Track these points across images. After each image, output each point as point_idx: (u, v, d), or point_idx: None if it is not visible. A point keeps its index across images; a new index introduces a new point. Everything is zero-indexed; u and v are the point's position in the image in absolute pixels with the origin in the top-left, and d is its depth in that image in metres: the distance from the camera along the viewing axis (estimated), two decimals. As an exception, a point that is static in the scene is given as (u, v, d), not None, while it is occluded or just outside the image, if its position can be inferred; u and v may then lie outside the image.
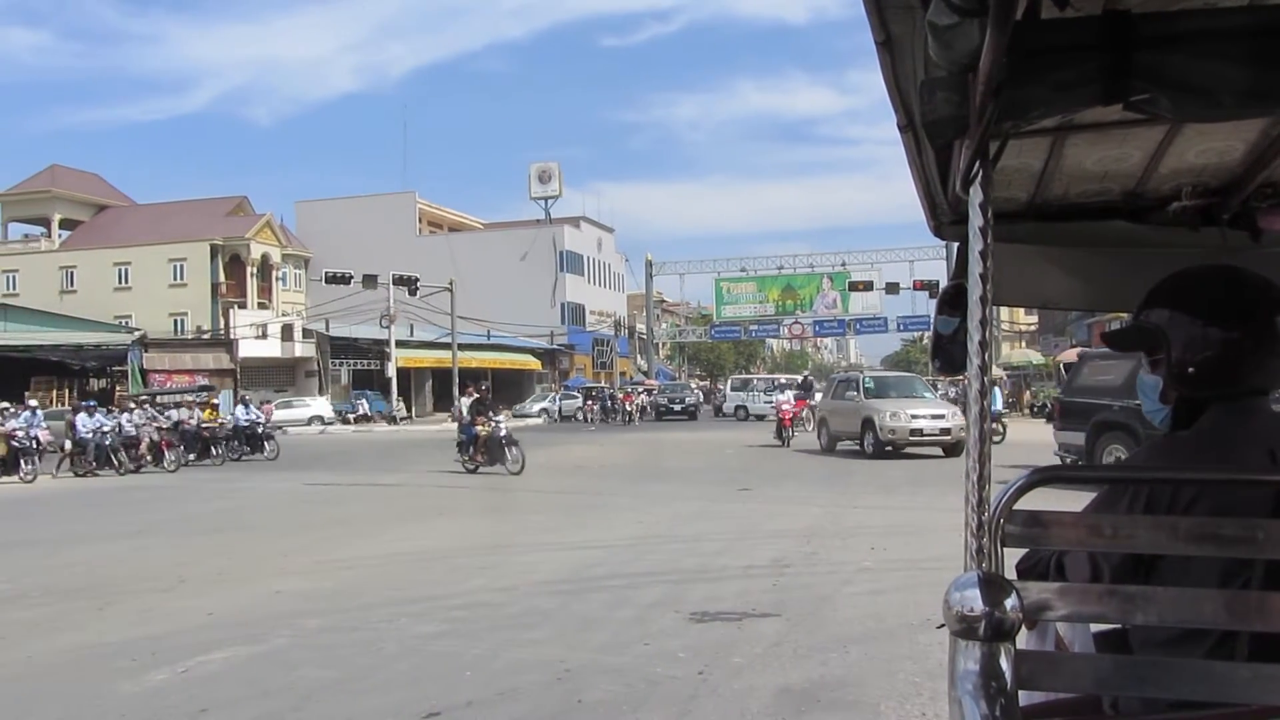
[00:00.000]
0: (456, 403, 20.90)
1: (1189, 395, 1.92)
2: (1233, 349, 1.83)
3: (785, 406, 25.96)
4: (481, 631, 6.48)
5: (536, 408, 46.88)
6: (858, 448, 21.27)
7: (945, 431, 20.20)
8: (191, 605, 7.45)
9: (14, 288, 55.21)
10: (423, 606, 7.26)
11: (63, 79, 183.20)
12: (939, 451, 20.16)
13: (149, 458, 22.34)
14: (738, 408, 43.72)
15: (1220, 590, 1.65)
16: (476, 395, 20.62)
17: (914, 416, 20.34)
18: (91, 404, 24.17)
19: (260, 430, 25.27)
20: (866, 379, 24.09)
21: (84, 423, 21.88)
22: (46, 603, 7.71)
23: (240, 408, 25.57)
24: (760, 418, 38.20)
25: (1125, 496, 1.80)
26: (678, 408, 45.01)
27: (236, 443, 24.58)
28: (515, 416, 35.13)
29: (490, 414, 19.34)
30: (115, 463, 21.71)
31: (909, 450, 20.54)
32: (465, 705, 4.96)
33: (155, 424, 23.42)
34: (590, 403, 45.05)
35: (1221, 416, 1.86)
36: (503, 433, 18.71)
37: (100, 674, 5.70)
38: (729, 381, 49.75)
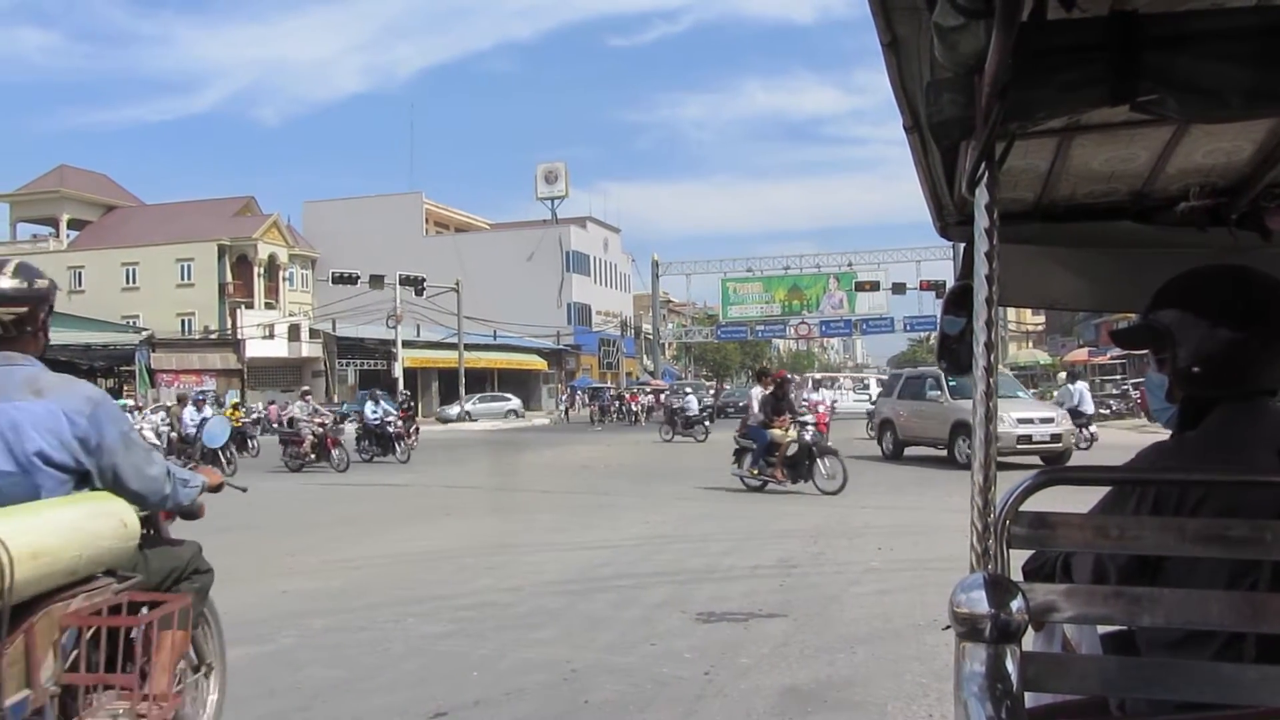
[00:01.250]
0: (750, 395, 16.23)
1: (1195, 395, 1.91)
2: (1240, 348, 1.82)
3: (821, 408, 21.91)
4: (488, 631, 6.48)
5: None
6: (940, 456, 18.48)
7: (1055, 438, 17.00)
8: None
9: (22, 288, 55.33)
10: (430, 606, 7.26)
11: (72, 79, 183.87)
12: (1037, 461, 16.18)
13: (312, 455, 20.58)
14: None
15: (1228, 592, 1.64)
16: (774, 383, 15.59)
17: (1020, 421, 16.73)
18: (200, 396, 22.85)
19: (392, 430, 22.57)
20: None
21: (191, 416, 21.36)
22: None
23: (370, 404, 22.93)
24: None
25: (1132, 498, 1.80)
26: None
27: (366, 443, 22.36)
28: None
29: (793, 412, 14.81)
30: (223, 460, 19.40)
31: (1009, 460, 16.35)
32: (472, 705, 4.97)
33: (318, 418, 21.40)
34: (593, 404, 44.80)
35: (1229, 417, 1.86)
36: (810, 436, 14.34)
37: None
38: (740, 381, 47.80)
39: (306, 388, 27.16)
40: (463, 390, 43.68)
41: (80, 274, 56.16)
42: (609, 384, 54.16)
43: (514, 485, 16.65)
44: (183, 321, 53.05)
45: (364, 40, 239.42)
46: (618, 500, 13.99)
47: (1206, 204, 2.58)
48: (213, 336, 49.52)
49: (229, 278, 55.31)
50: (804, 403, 17.57)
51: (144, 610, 2.96)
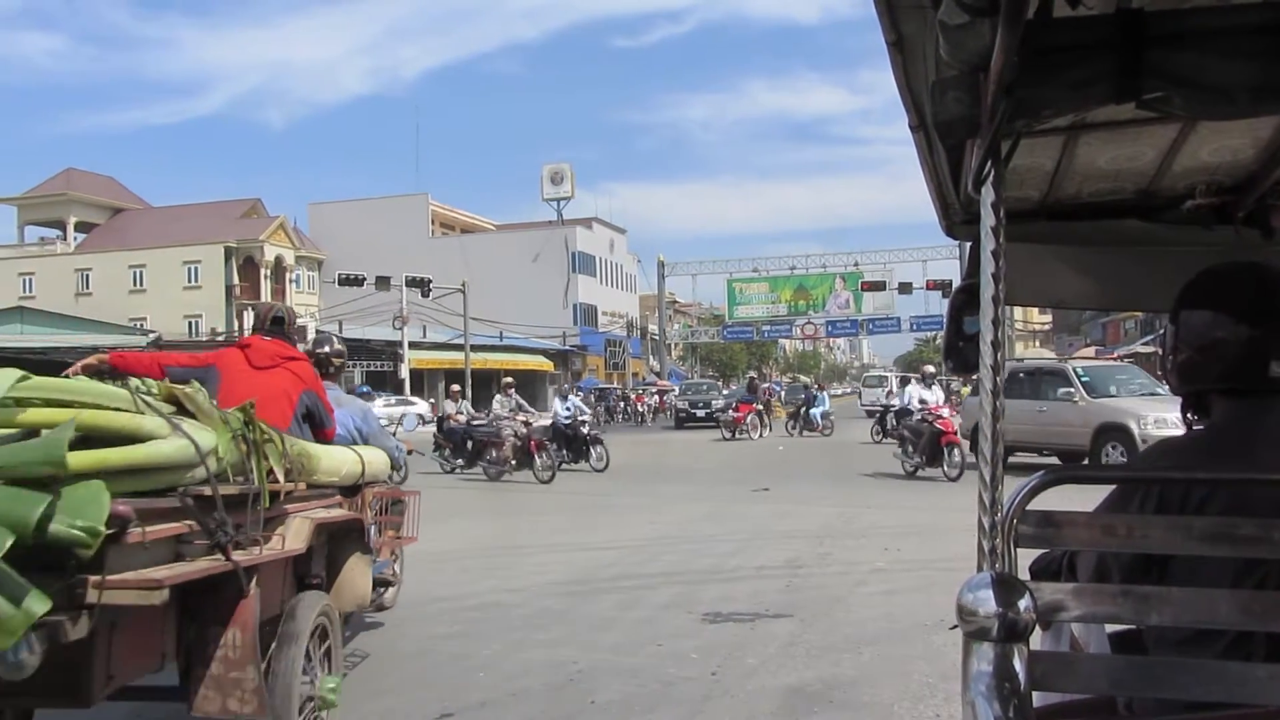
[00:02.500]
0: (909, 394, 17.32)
1: (1199, 390, 1.92)
2: (1254, 344, 1.81)
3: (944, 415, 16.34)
4: (494, 632, 6.49)
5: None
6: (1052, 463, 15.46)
7: None
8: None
9: (30, 290, 55.56)
10: (435, 607, 7.27)
11: (78, 83, 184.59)
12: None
13: (514, 462, 17.33)
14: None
15: (1236, 590, 1.64)
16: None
17: (1157, 421, 14.39)
18: (366, 389, 20.38)
19: (586, 432, 18.88)
20: (1078, 369, 17.33)
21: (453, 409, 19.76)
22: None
23: (559, 401, 19.78)
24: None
25: (1137, 496, 1.80)
26: (701, 413, 36.03)
27: (555, 446, 18.01)
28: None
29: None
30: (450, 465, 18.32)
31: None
32: (478, 706, 4.97)
33: (521, 417, 18.14)
34: (599, 404, 44.63)
35: (1235, 413, 1.85)
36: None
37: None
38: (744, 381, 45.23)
39: (456, 385, 23.28)
40: (469, 392, 43.73)
41: (87, 276, 56.31)
42: (615, 385, 54.15)
43: (517, 487, 16.61)
44: (189, 324, 53.13)
45: (369, 42, 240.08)
46: (622, 501, 13.98)
47: (1212, 202, 2.57)
48: (219, 338, 49.60)
49: (236, 280, 55.38)
50: (919, 404, 16.53)
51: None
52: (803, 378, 66.78)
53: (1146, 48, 1.48)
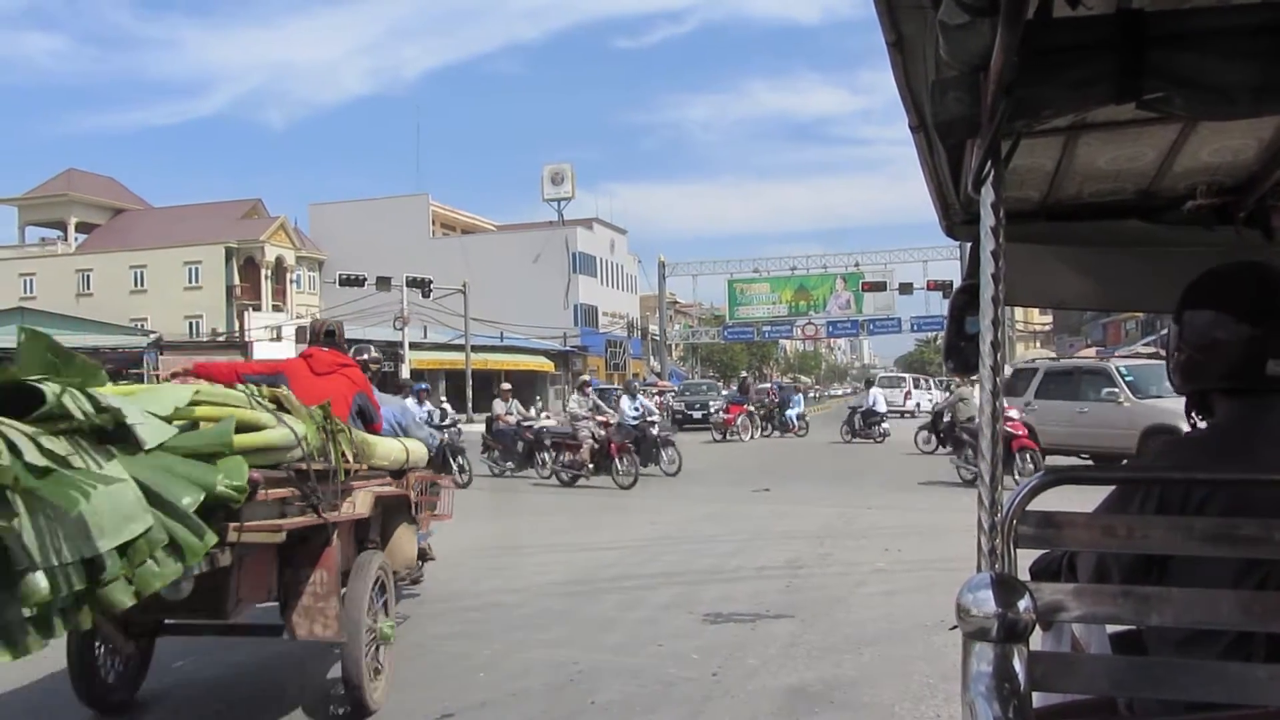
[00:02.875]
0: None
1: (1193, 388, 1.92)
2: (1256, 344, 1.81)
3: (1014, 416, 15.29)
4: (495, 632, 6.49)
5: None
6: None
7: None
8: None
9: (31, 291, 55.60)
10: (436, 607, 7.27)
11: (79, 83, 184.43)
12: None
13: (591, 466, 16.11)
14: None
15: (1237, 591, 1.64)
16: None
17: None
18: (424, 386, 18.66)
19: (656, 433, 17.43)
20: (1122, 368, 16.40)
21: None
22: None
23: (626, 399, 17.82)
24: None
25: (1137, 496, 1.79)
26: (698, 414, 34.48)
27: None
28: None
29: None
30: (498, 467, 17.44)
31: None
32: (479, 706, 4.98)
33: (601, 417, 16.83)
34: None
35: (1237, 412, 1.85)
36: None
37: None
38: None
39: (507, 384, 20.66)
40: (470, 393, 43.74)
41: (88, 277, 56.33)
42: (616, 385, 54.13)
43: (516, 487, 16.61)
44: (190, 324, 53.16)
45: (370, 43, 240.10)
46: (623, 501, 13.98)
47: (1213, 203, 2.57)
48: (220, 339, 49.61)
49: (236, 280, 55.40)
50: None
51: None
52: (799, 378, 66.64)
53: (1147, 48, 1.48)
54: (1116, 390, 15.59)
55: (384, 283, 40.79)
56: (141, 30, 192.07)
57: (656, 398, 45.42)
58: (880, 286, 51.30)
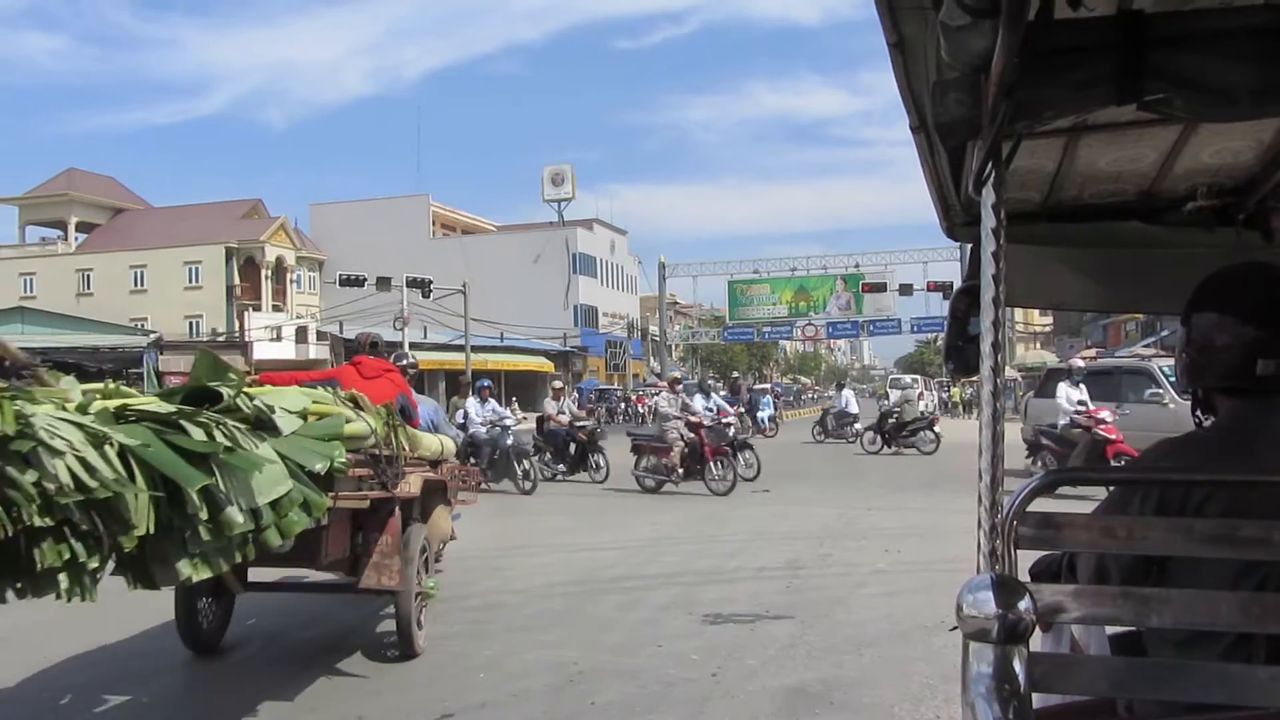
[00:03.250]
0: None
1: (1195, 387, 1.92)
2: (1257, 345, 1.81)
3: (1105, 419, 14.51)
4: (495, 633, 6.49)
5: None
6: None
7: None
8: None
9: (31, 290, 55.57)
10: (436, 607, 7.26)
11: (80, 83, 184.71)
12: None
13: (681, 471, 14.66)
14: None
15: (1236, 592, 1.64)
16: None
17: None
18: (486, 383, 16.72)
19: (733, 435, 15.55)
20: (1164, 369, 15.50)
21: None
22: (59, 604, 7.73)
23: (700, 397, 16.12)
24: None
25: (1136, 497, 1.79)
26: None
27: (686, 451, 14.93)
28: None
29: None
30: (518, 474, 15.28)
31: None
32: (479, 706, 4.98)
33: (691, 417, 15.07)
34: (600, 405, 44.45)
35: (1239, 413, 1.85)
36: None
37: (115, 675, 5.72)
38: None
39: (559, 382, 19.67)
40: (470, 393, 43.78)
41: (88, 277, 56.31)
42: (616, 386, 54.14)
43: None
44: (190, 324, 53.12)
45: (371, 43, 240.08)
46: (623, 502, 13.97)
47: (1214, 204, 2.57)
48: (220, 339, 49.60)
49: (236, 280, 55.37)
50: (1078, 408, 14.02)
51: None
52: (799, 379, 66.65)
53: (1148, 49, 1.48)
54: (1160, 391, 15.04)
55: (384, 283, 40.74)
56: (142, 30, 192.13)
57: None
58: (881, 287, 51.24)
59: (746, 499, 13.87)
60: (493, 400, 16.15)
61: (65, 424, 3.30)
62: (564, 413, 17.21)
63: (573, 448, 16.53)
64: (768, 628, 6.43)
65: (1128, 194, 2.70)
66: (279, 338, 46.49)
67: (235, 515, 3.69)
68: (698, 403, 15.81)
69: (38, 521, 3.00)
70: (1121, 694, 1.72)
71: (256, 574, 5.93)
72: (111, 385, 4.21)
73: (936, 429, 22.18)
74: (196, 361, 4.77)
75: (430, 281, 41.25)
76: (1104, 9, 1.55)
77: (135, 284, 55.77)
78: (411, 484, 5.83)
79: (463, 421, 15.57)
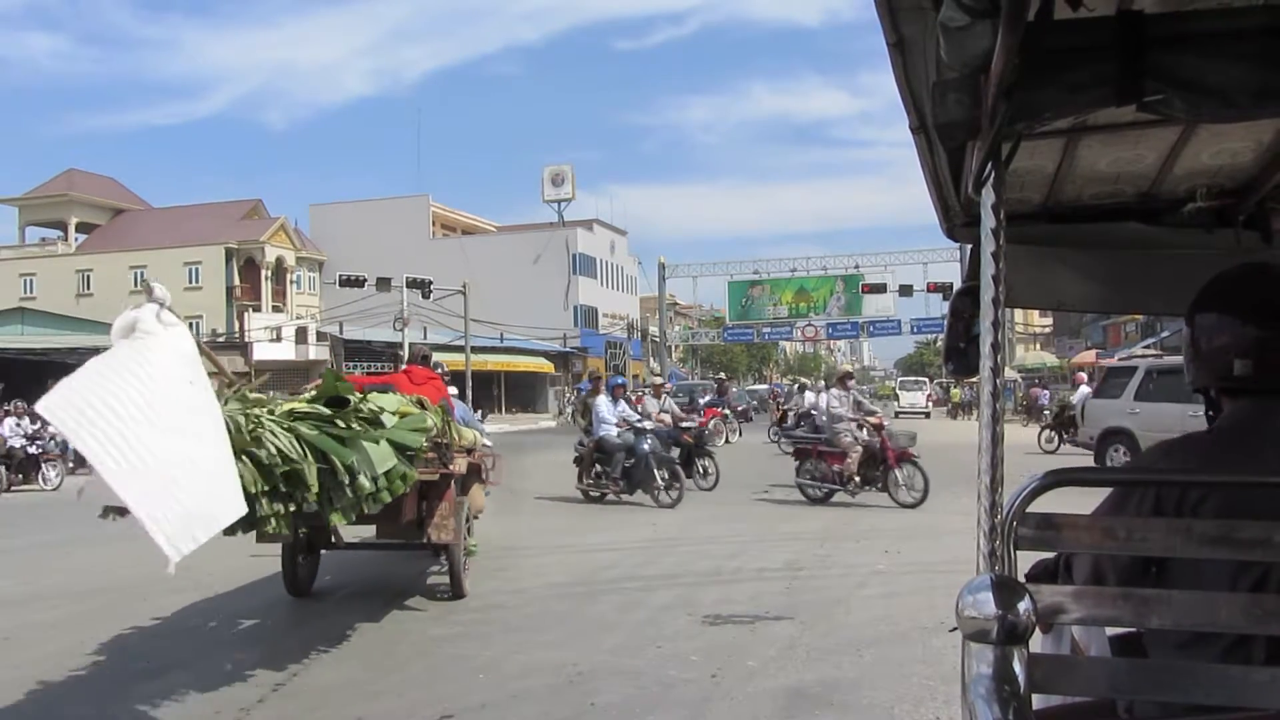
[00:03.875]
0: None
1: (1200, 386, 1.92)
2: (1250, 345, 1.80)
3: None
4: (494, 634, 6.49)
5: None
6: None
7: None
8: (206, 607, 7.48)
9: (31, 291, 55.58)
10: (436, 608, 7.27)
11: (80, 83, 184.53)
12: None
13: (858, 477, 12.94)
14: None
15: (1237, 593, 1.64)
16: None
17: None
18: (620, 381, 15.50)
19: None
20: None
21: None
22: (62, 604, 7.76)
23: (838, 391, 13.74)
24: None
25: (1135, 497, 1.79)
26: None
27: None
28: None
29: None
30: None
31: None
32: (479, 707, 4.97)
33: (874, 419, 13.37)
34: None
35: (1241, 414, 1.85)
36: None
37: (116, 675, 5.73)
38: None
39: (660, 378, 16.59)
40: (470, 393, 43.75)
41: (89, 277, 56.31)
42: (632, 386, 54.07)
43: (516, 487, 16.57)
44: (190, 324, 52.07)
45: (371, 44, 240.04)
46: (623, 503, 13.95)
47: (1213, 205, 2.57)
48: (220, 339, 49.61)
49: (236, 281, 55.37)
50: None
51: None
52: (799, 379, 66.64)
53: (1147, 50, 1.48)
54: None
55: (384, 283, 40.73)
56: (142, 30, 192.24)
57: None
58: (880, 288, 51.21)
59: (746, 500, 13.82)
60: (623, 400, 14.49)
61: (269, 420, 5.18)
62: (666, 412, 15.21)
63: (678, 451, 14.51)
64: (767, 628, 6.43)
65: (1127, 195, 2.70)
66: (279, 338, 46.49)
67: (364, 481, 5.47)
68: (830, 399, 13.79)
69: (262, 486, 4.82)
70: (1121, 695, 1.71)
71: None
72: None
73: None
74: (324, 376, 6.87)
75: (430, 282, 41.25)
76: (1103, 10, 1.55)
77: (135, 285, 55.70)
78: (460, 465, 7.33)
79: (587, 423, 14.66)
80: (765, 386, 41.93)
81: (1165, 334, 40.45)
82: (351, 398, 5.98)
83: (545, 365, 55.54)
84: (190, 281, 55.26)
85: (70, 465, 19.85)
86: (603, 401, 14.18)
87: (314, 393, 6.25)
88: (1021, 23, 1.33)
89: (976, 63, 1.47)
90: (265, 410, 5.31)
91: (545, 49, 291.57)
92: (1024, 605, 1.51)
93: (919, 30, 1.69)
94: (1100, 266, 2.97)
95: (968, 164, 1.99)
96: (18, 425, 19.49)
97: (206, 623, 6.98)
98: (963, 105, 1.62)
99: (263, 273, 56.16)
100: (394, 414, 6.22)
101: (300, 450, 5.08)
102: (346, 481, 5.32)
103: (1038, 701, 1.63)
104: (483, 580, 8.26)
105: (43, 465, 19.04)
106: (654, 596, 7.54)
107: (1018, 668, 1.52)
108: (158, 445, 4.24)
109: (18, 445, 18.92)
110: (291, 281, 58.50)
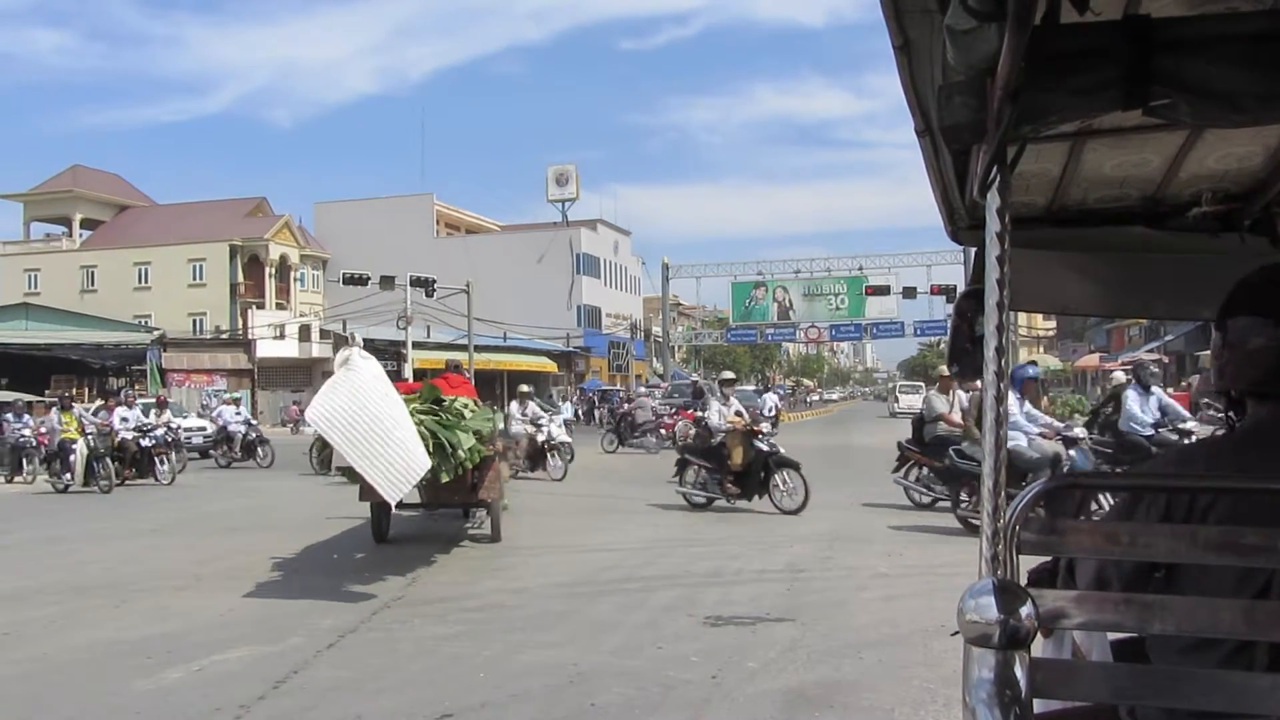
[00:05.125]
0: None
1: (1227, 390, 1.90)
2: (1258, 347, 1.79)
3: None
4: (495, 633, 6.49)
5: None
6: None
7: None
8: (207, 604, 7.49)
9: (35, 287, 55.64)
10: (437, 608, 7.27)
11: (85, 80, 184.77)
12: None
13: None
14: None
15: (1239, 599, 1.63)
16: None
17: None
18: (784, 387, 14.48)
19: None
20: None
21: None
22: (64, 600, 7.77)
23: (943, 397, 12.44)
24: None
25: (1143, 502, 1.78)
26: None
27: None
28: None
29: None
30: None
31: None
32: (479, 707, 4.97)
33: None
34: (602, 406, 44.41)
35: (1265, 416, 1.83)
36: None
37: (116, 671, 5.74)
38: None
39: (730, 374, 15.09)
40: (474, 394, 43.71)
41: (92, 273, 56.39)
42: (619, 386, 54.11)
43: (521, 487, 16.59)
44: (194, 321, 53.14)
45: (376, 42, 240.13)
46: (624, 503, 13.96)
47: (1219, 209, 2.56)
48: (224, 336, 49.64)
49: (240, 278, 55.40)
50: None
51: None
52: (801, 381, 66.57)
53: (1154, 54, 1.48)
54: None
55: (388, 282, 40.71)
56: (148, 27, 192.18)
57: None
58: (884, 290, 51.18)
59: (750, 502, 13.79)
60: (735, 399, 13.78)
61: (426, 415, 8.75)
62: (740, 415, 13.45)
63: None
64: (768, 630, 6.42)
65: (1132, 199, 2.70)
66: (282, 336, 46.52)
67: (461, 453, 8.64)
68: (937, 402, 12.56)
69: (433, 461, 8.27)
70: (1123, 700, 1.71)
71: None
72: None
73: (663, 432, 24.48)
74: (425, 388, 9.71)
75: (434, 281, 41.23)
76: (1110, 14, 1.54)
77: (139, 281, 55.83)
78: (499, 445, 10.23)
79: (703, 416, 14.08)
80: (751, 388, 41.69)
81: (1169, 337, 40.40)
82: (445, 399, 9.45)
83: (548, 365, 55.53)
84: (194, 278, 55.33)
85: (180, 463, 19.62)
86: (715, 402, 13.66)
87: (420, 396, 9.33)
88: (1028, 26, 1.33)
89: (982, 66, 1.47)
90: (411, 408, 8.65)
91: (549, 48, 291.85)
92: (1026, 610, 1.51)
93: (925, 33, 1.68)
94: (1105, 270, 2.97)
95: (973, 167, 1.98)
96: (124, 420, 18.61)
97: (207, 619, 6.98)
98: (968, 108, 1.61)
99: (267, 270, 56.20)
100: (469, 410, 9.70)
101: (427, 432, 8.41)
102: (449, 453, 8.53)
103: (1039, 706, 1.62)
104: (483, 580, 8.26)
105: (154, 459, 18.37)
106: (655, 597, 7.54)
107: (1019, 672, 1.51)
108: (374, 430, 7.64)
109: (129, 438, 18.23)
110: (295, 279, 58.54)
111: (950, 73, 1.63)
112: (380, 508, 9.73)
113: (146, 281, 55.63)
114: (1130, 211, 2.75)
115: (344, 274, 41.99)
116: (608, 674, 5.48)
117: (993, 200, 1.64)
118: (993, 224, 1.64)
